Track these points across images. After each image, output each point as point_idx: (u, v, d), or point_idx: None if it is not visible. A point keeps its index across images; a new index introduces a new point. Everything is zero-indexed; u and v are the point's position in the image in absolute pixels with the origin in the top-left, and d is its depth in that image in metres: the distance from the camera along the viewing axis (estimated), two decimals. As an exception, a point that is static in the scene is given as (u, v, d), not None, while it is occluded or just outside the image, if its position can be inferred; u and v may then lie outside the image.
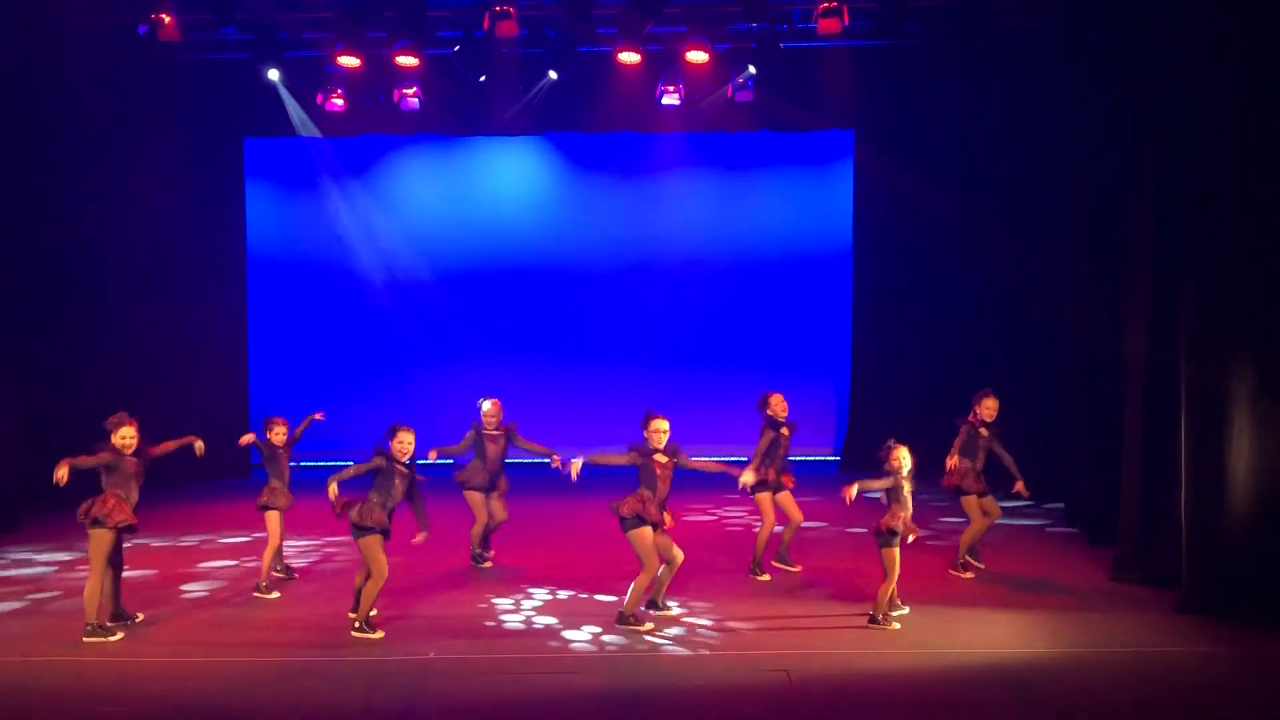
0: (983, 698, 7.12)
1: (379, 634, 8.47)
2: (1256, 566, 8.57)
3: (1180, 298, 8.97)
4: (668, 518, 8.67)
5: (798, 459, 10.40)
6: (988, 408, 10.08)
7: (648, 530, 8.50)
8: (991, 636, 8.35)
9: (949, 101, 15.46)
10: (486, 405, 10.57)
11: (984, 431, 10.07)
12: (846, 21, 12.75)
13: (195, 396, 15.76)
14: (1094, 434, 11.45)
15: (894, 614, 8.69)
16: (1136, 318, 9.98)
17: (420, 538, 8.76)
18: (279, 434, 9.84)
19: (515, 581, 10.17)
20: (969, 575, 10.13)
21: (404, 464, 8.58)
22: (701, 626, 8.68)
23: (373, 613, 8.56)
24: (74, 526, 8.59)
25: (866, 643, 8.24)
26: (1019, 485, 10.04)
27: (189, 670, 7.80)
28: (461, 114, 15.78)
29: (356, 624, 8.51)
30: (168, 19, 12.73)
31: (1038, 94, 13.81)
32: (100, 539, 8.35)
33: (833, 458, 16.73)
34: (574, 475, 8.62)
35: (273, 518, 9.73)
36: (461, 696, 7.26)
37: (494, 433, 10.53)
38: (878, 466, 8.68)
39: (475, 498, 10.47)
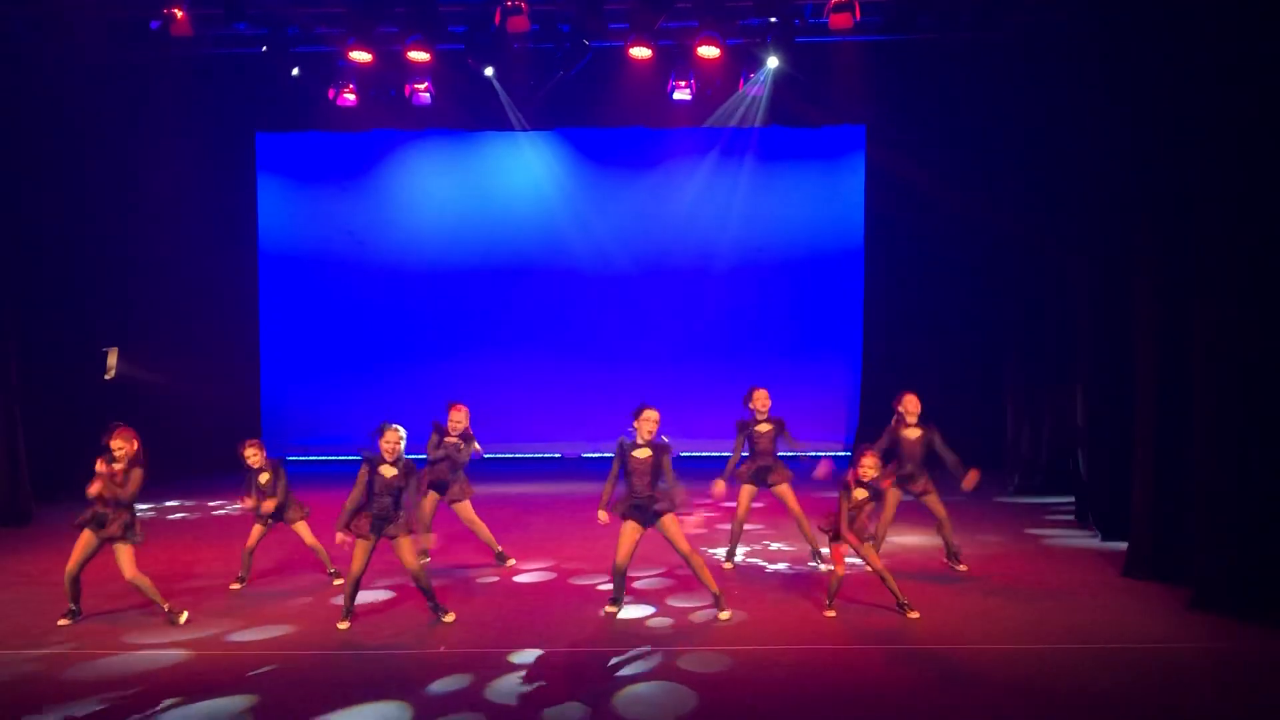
0: (994, 694, 7.11)
1: (344, 624, 8.59)
2: (1269, 564, 8.54)
3: (1194, 297, 8.93)
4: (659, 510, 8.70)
5: (812, 454, 10.39)
6: (905, 406, 10.02)
7: (626, 525, 8.70)
8: (1003, 633, 8.33)
9: (961, 97, 15.41)
10: (455, 413, 10.40)
11: (908, 434, 9.97)
12: (859, 16, 12.73)
13: (206, 390, 15.83)
14: (1106, 431, 11.41)
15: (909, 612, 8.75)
16: (1149, 315, 9.93)
17: (427, 542, 8.86)
18: (252, 456, 9.87)
19: (521, 575, 10.19)
20: (962, 567, 10.16)
21: (391, 463, 8.58)
22: (701, 622, 8.68)
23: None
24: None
25: (874, 638, 8.23)
26: (972, 472, 9.75)
27: (195, 664, 7.82)
28: (473, 109, 15.78)
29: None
30: (180, 14, 12.77)
31: (1051, 89, 13.75)
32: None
33: (844, 452, 16.71)
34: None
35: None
36: (470, 692, 7.27)
37: (452, 440, 10.38)
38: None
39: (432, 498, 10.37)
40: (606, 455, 17.10)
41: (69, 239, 14.65)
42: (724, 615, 8.72)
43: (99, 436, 8.74)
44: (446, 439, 10.37)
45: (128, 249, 15.64)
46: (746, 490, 10.28)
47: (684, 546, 8.70)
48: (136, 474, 8.66)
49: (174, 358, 15.85)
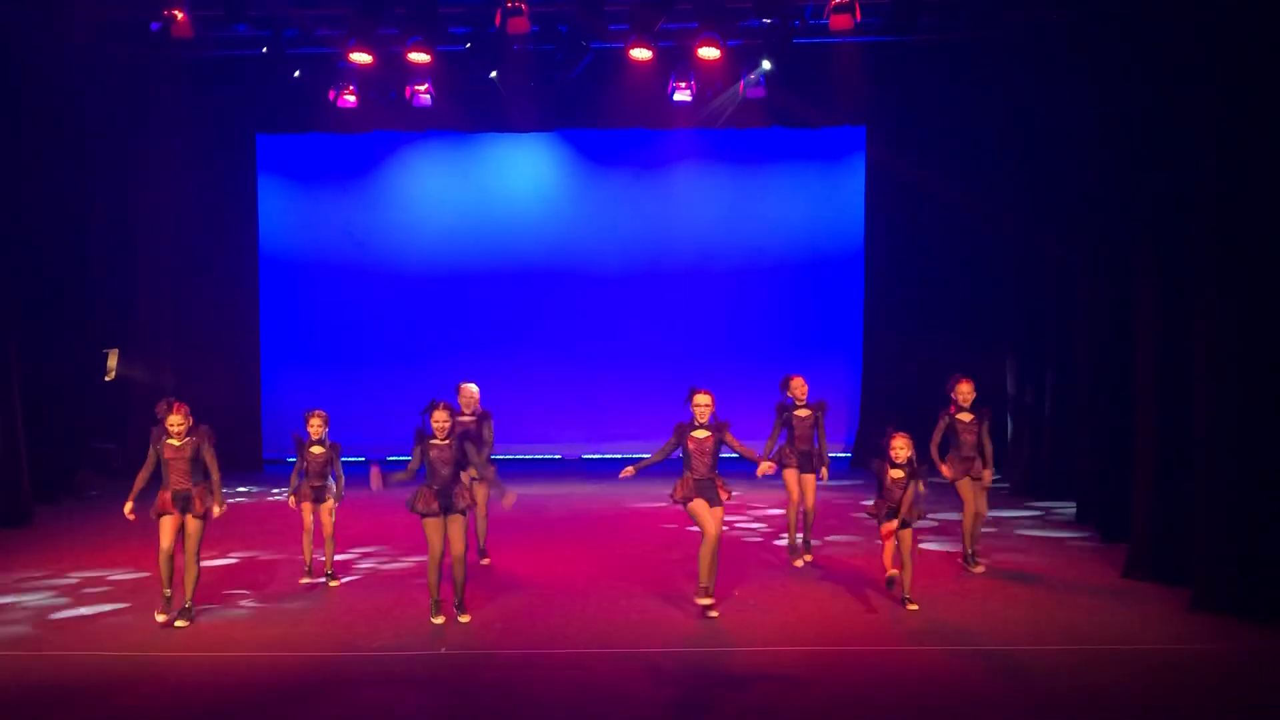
0: (994, 695, 7.11)
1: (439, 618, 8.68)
2: (1270, 564, 8.53)
3: (1194, 297, 8.93)
4: (723, 495, 8.73)
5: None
6: (960, 392, 10.02)
7: (695, 504, 8.65)
8: (1003, 634, 8.33)
9: (961, 97, 15.42)
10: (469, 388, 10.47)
11: (963, 418, 10.00)
12: (859, 17, 12.72)
13: (207, 391, 15.72)
14: (1107, 431, 11.41)
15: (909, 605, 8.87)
16: (1149, 316, 9.93)
17: (507, 501, 8.87)
18: (314, 426, 9.90)
19: (524, 576, 10.19)
20: (979, 569, 10.11)
21: (443, 440, 8.63)
22: (711, 619, 8.67)
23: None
24: (85, 520, 8.63)
25: (877, 637, 8.23)
26: (985, 472, 9.98)
27: (194, 665, 7.82)
28: (473, 110, 15.79)
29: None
30: (180, 15, 12.77)
31: (1051, 89, 13.74)
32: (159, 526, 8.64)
33: (844, 454, 16.71)
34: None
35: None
36: (471, 691, 7.27)
37: (467, 418, 10.35)
38: (881, 453, 8.89)
39: None
40: (606, 456, 17.21)
41: (69, 240, 14.65)
42: (704, 602, 8.69)
43: (96, 436, 8.72)
44: (461, 417, 10.26)
45: (128, 250, 15.64)
46: (794, 474, 10.30)
47: (713, 541, 8.68)
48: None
49: (174, 358, 15.84)
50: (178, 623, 8.59)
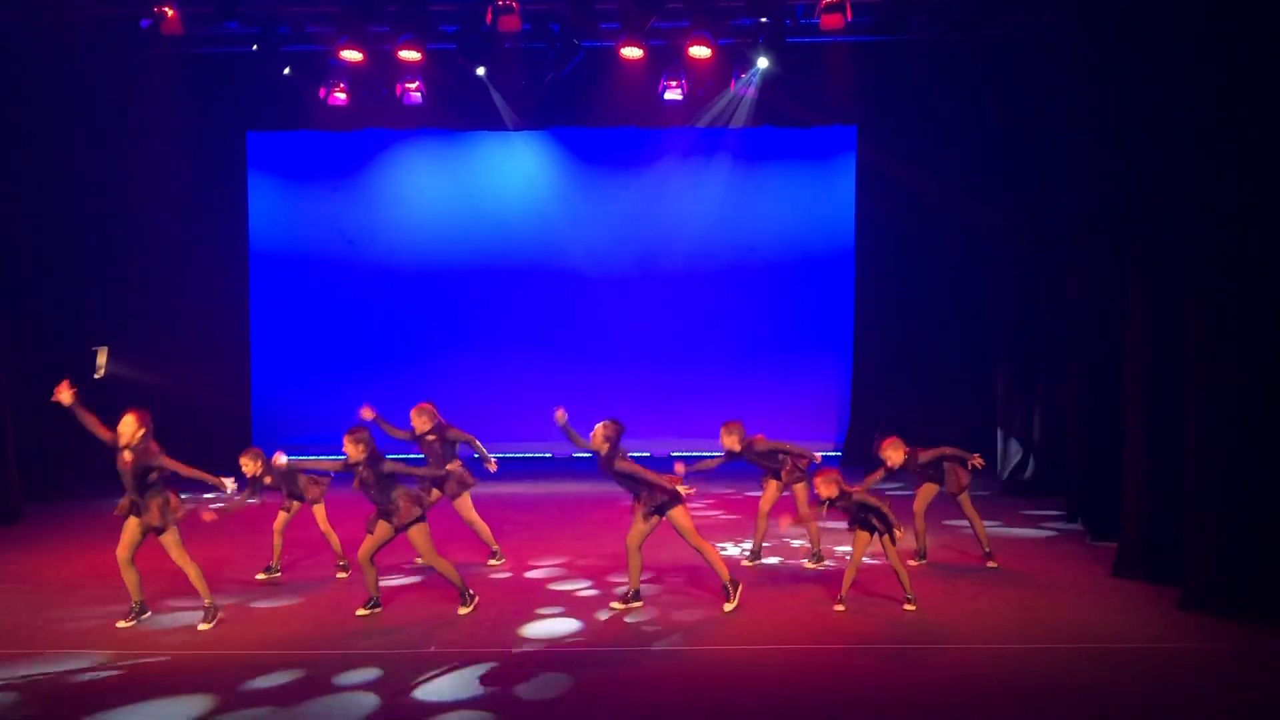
0: (984, 694, 7.12)
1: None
2: (1258, 563, 8.57)
3: (1185, 297, 8.96)
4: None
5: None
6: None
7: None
8: (992, 632, 8.35)
9: (953, 97, 15.42)
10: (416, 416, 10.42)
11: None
12: (849, 17, 12.75)
13: (196, 390, 15.78)
14: (1096, 430, 11.44)
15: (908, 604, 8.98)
16: (1140, 316, 9.95)
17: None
18: (246, 466, 9.83)
19: (517, 576, 10.18)
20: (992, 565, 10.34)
21: (356, 464, 8.78)
22: (698, 620, 8.68)
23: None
24: (74, 519, 8.61)
25: (865, 637, 8.24)
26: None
27: (188, 663, 7.80)
28: (464, 108, 15.77)
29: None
30: (171, 12, 12.77)
31: (1042, 90, 13.77)
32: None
33: (834, 453, 16.73)
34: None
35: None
36: (464, 692, 7.26)
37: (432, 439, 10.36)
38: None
39: None
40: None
41: (59, 237, 14.61)
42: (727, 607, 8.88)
43: (85, 433, 8.69)
44: (427, 438, 10.31)
45: (118, 247, 15.59)
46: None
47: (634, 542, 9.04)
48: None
49: (165, 356, 15.79)
50: (200, 626, 8.58)
